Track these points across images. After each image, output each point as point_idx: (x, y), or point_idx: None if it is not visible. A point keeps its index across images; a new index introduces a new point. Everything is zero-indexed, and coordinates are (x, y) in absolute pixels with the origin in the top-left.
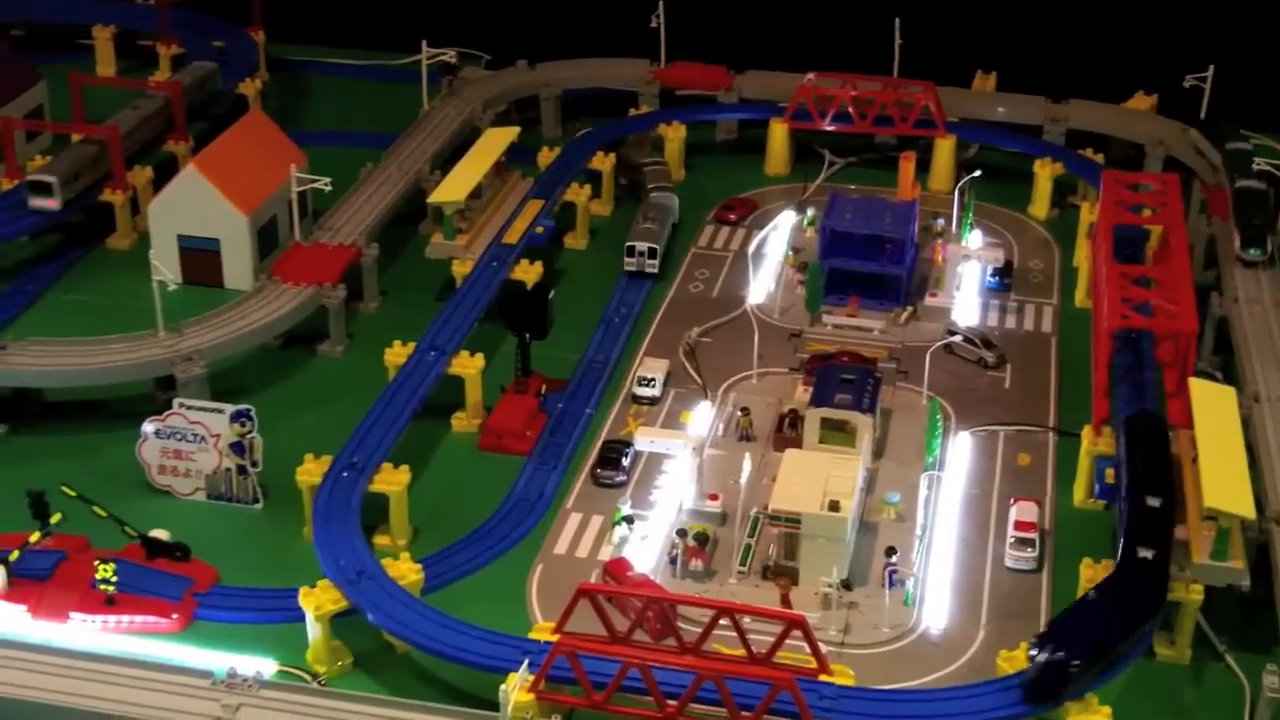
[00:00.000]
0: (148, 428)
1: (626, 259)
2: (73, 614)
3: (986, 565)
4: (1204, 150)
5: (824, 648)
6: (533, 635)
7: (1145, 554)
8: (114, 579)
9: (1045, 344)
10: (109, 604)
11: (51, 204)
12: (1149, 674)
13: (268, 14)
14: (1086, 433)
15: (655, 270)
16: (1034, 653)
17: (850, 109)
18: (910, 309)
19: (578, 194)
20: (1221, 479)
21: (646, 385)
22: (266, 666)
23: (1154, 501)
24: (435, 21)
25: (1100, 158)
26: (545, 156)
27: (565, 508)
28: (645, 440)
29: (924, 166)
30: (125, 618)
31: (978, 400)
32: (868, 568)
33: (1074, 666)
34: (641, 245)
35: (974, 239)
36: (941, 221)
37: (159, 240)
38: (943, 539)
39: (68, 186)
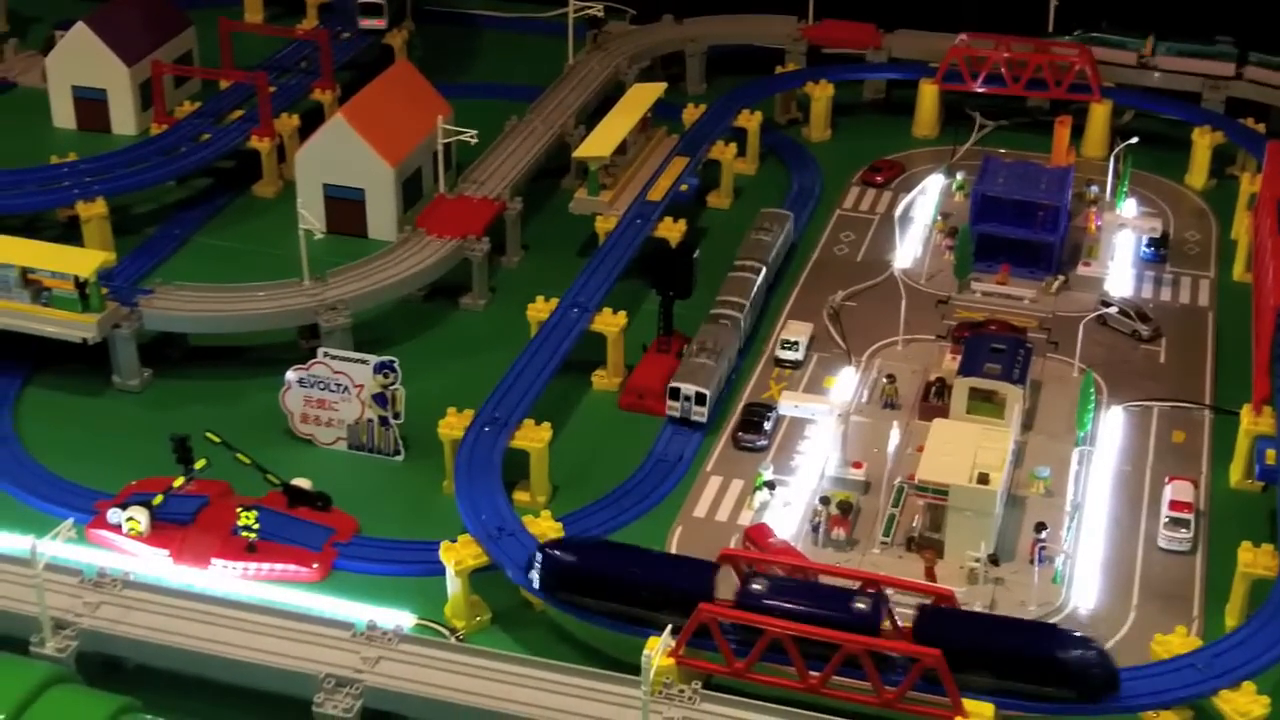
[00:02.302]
0: (291, 376)
1: (670, 401)
2: (214, 560)
3: (1139, 545)
4: None
5: None
6: None
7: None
8: (256, 526)
9: (1202, 318)
10: (250, 551)
11: (380, 23)
12: None
13: None
14: (1246, 412)
15: (703, 419)
16: None
17: (1003, 71)
18: (1062, 278)
19: (723, 152)
20: None
21: (789, 349)
22: (404, 619)
23: None
24: None
25: (1262, 127)
26: (690, 113)
27: (705, 470)
28: (789, 404)
29: (1077, 132)
30: (266, 565)
31: (1131, 374)
32: (1015, 543)
33: None
34: (688, 388)
35: (1129, 208)
36: (1095, 189)
37: (305, 189)
38: (1093, 516)
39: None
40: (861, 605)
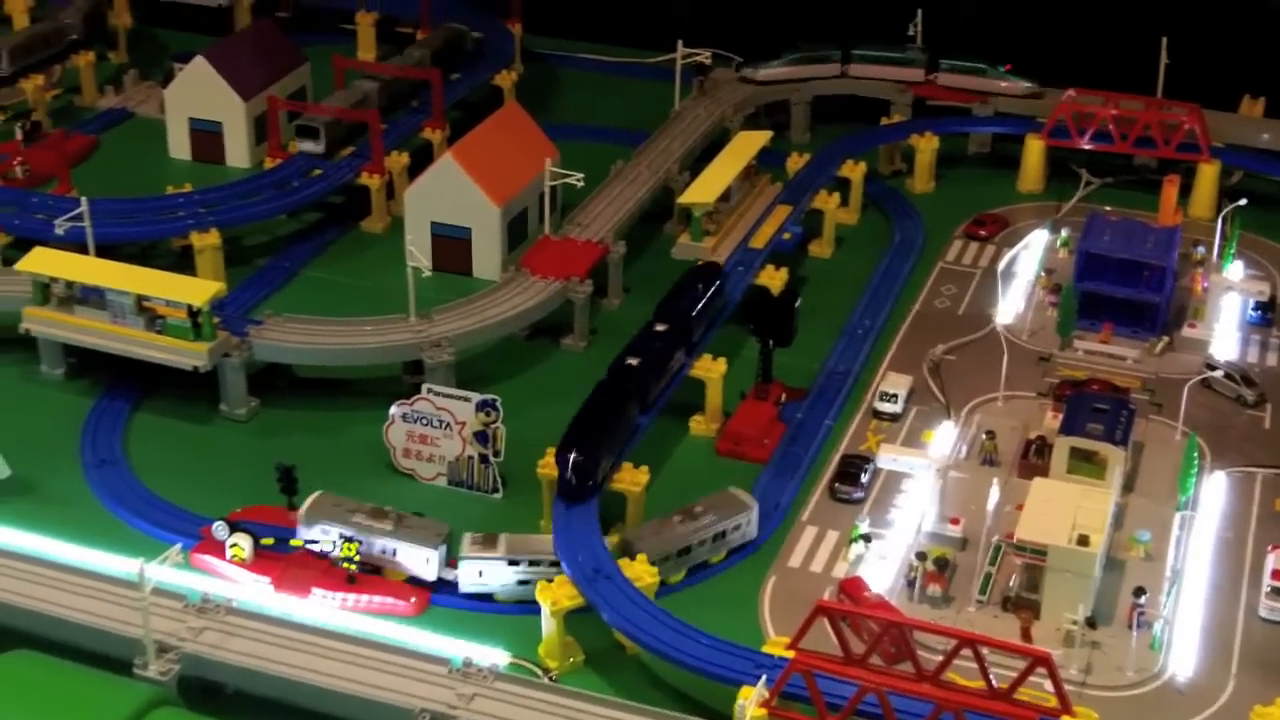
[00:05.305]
0: (395, 411)
1: None
2: (314, 589)
3: (1239, 614)
4: None
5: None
6: (766, 649)
7: (631, 361)
8: (357, 558)
9: None
10: (350, 582)
11: (318, 148)
12: None
13: (526, 6)
14: None
15: None
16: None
17: (1111, 128)
18: (1166, 339)
19: (826, 201)
20: None
21: (889, 401)
22: (498, 657)
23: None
24: (690, 21)
25: None
26: (794, 162)
27: (801, 520)
28: (888, 458)
29: (1184, 191)
30: (365, 597)
31: (1235, 439)
32: (1113, 606)
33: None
34: None
35: (1235, 270)
36: (1202, 250)
37: (413, 226)
38: (1193, 583)
39: (333, 129)
40: None
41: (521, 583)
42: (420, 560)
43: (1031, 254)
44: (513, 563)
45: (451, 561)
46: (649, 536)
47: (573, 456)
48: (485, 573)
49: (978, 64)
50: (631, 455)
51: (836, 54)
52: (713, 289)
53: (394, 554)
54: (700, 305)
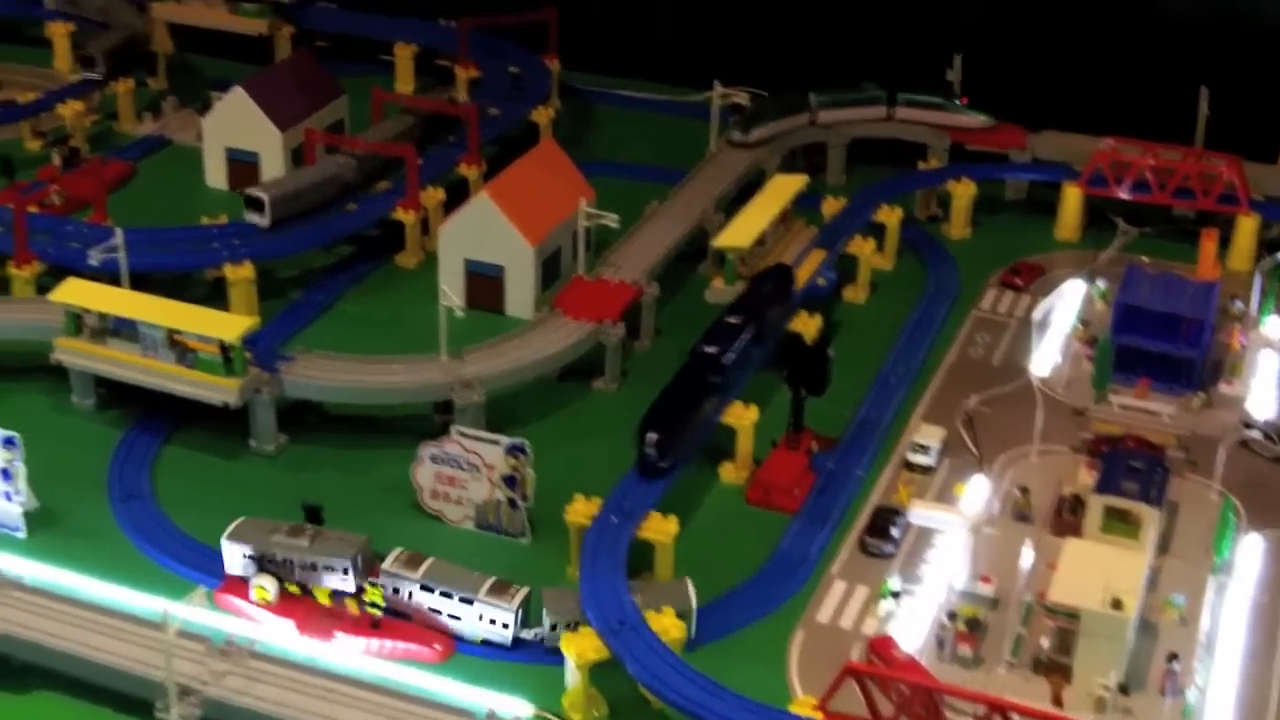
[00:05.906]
0: (424, 451)
1: None
2: (338, 633)
3: (1274, 681)
4: None
5: None
6: (794, 709)
7: (710, 349)
8: (382, 602)
9: None
10: (374, 627)
11: (263, 220)
12: None
13: (564, 42)
14: None
15: None
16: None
17: (1149, 177)
18: (1203, 396)
19: (861, 246)
20: None
21: (921, 453)
22: (522, 708)
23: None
24: (728, 61)
25: None
26: (830, 205)
27: (830, 573)
28: (921, 514)
29: (1222, 244)
30: (389, 643)
31: (1272, 499)
32: (1146, 671)
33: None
34: None
35: (1274, 325)
36: (1240, 304)
37: (446, 263)
38: (1228, 648)
39: (279, 207)
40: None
41: (432, 610)
42: (337, 573)
43: (1068, 304)
44: (426, 589)
45: (375, 571)
46: (564, 599)
47: (651, 434)
48: (401, 591)
49: (934, 98)
50: (660, 504)
51: (806, 101)
52: (784, 288)
53: (313, 568)
54: (773, 303)
